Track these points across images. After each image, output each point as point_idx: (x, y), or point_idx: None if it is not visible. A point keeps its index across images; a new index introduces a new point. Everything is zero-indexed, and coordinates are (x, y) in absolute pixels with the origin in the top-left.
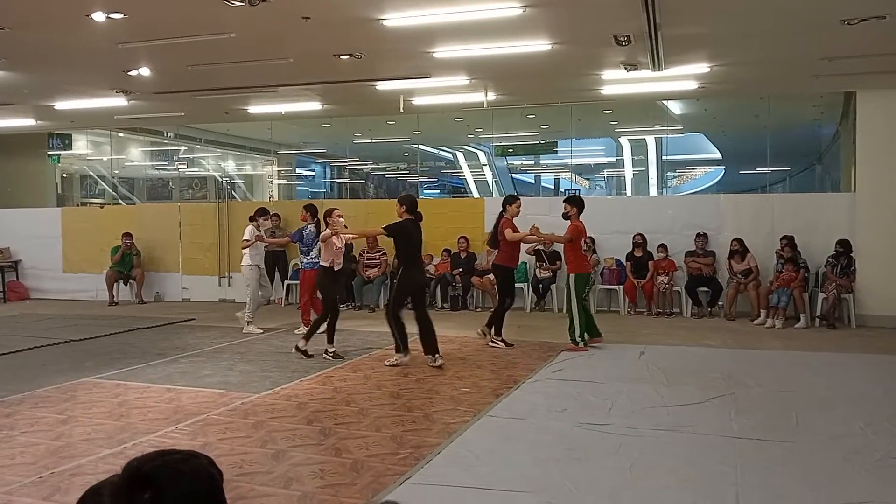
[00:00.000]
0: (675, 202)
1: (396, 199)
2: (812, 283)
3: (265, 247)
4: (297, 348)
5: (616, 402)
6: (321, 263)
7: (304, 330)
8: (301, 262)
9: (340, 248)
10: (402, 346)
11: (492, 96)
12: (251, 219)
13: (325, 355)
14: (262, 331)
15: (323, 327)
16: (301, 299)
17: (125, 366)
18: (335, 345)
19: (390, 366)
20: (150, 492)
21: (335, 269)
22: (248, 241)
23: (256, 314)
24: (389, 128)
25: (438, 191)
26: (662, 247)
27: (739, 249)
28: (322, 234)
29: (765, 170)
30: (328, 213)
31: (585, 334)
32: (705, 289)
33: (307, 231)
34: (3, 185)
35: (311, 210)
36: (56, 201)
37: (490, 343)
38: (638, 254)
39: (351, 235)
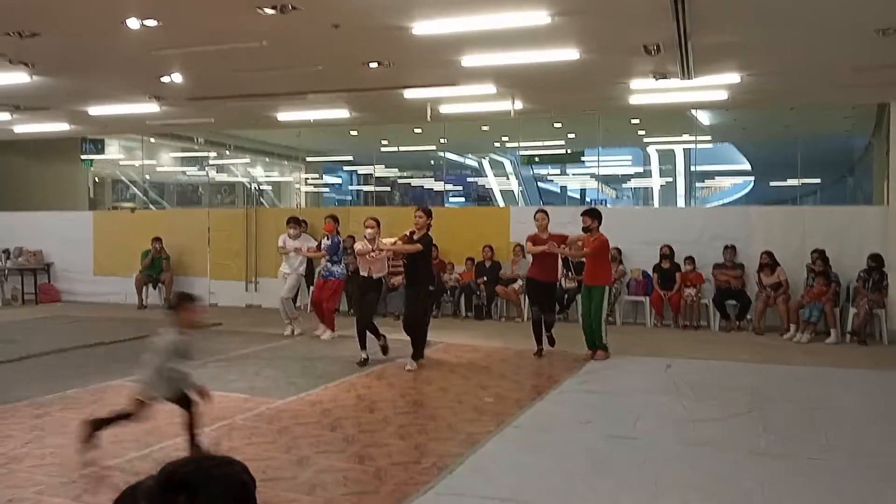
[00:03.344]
0: (703, 213)
1: (422, 210)
2: (843, 298)
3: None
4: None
5: (642, 415)
6: (361, 273)
7: (328, 334)
8: (326, 270)
9: (379, 258)
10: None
11: (519, 105)
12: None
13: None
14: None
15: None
16: (327, 305)
17: None
18: (366, 351)
19: (411, 370)
20: (183, 496)
21: (374, 277)
22: (281, 246)
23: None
24: (416, 136)
25: (464, 199)
26: (690, 259)
27: (769, 262)
28: (357, 251)
29: (795, 181)
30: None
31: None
32: (733, 302)
33: (335, 241)
34: (37, 188)
35: (335, 219)
36: (88, 205)
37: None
38: (665, 265)
39: (388, 248)
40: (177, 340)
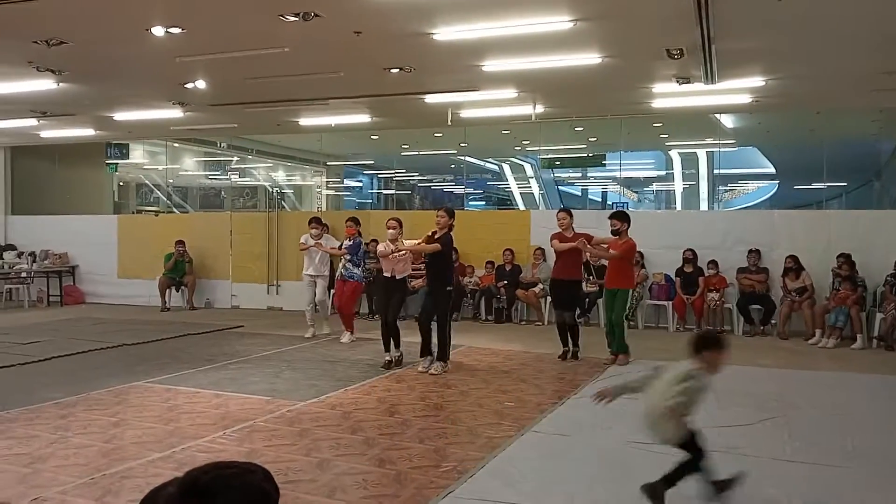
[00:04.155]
0: (726, 217)
1: (444, 210)
2: (870, 303)
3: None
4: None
5: None
6: (385, 274)
7: (347, 337)
8: (346, 270)
9: (402, 257)
10: (430, 352)
11: (540, 109)
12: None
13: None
14: (311, 335)
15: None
16: (345, 308)
17: (175, 371)
18: (390, 353)
19: (436, 374)
20: (201, 502)
21: (397, 278)
22: (303, 243)
23: (313, 321)
24: (437, 140)
25: (484, 203)
26: (713, 263)
27: (794, 267)
28: (379, 252)
29: (820, 185)
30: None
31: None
32: (758, 306)
33: (356, 242)
34: (63, 192)
35: (356, 222)
36: (113, 209)
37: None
38: (688, 269)
39: (409, 248)
40: (698, 383)
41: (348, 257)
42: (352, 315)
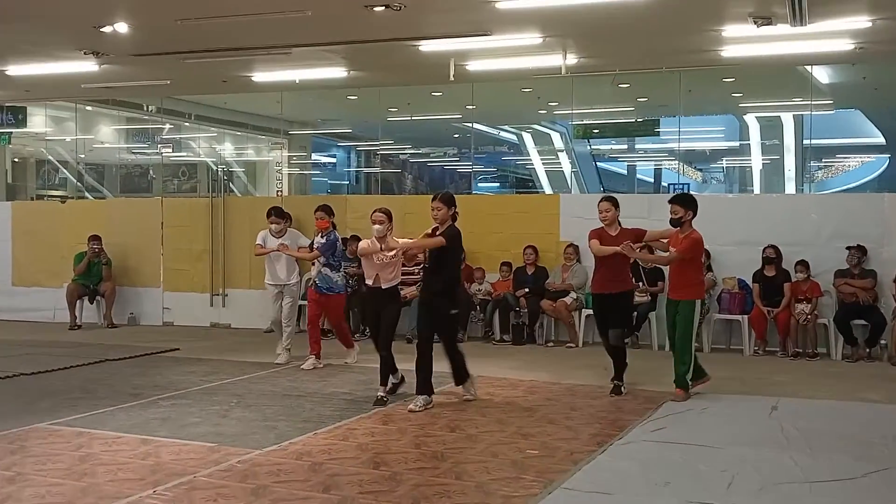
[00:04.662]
0: (821, 203)
1: (440, 199)
2: None
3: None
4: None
5: (738, 474)
6: (367, 282)
7: (312, 362)
8: (322, 279)
9: (390, 260)
10: (467, 374)
11: (572, 60)
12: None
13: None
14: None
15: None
16: (336, 324)
17: (90, 409)
18: (387, 385)
19: (470, 398)
20: None
21: (383, 287)
22: (261, 245)
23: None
24: (435, 101)
25: (498, 184)
26: (803, 264)
27: None
28: (360, 250)
29: None
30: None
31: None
32: (862, 322)
33: (332, 238)
34: None
35: (329, 211)
36: (5, 194)
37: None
38: (769, 273)
39: (401, 246)
40: None
41: (323, 260)
42: (347, 332)
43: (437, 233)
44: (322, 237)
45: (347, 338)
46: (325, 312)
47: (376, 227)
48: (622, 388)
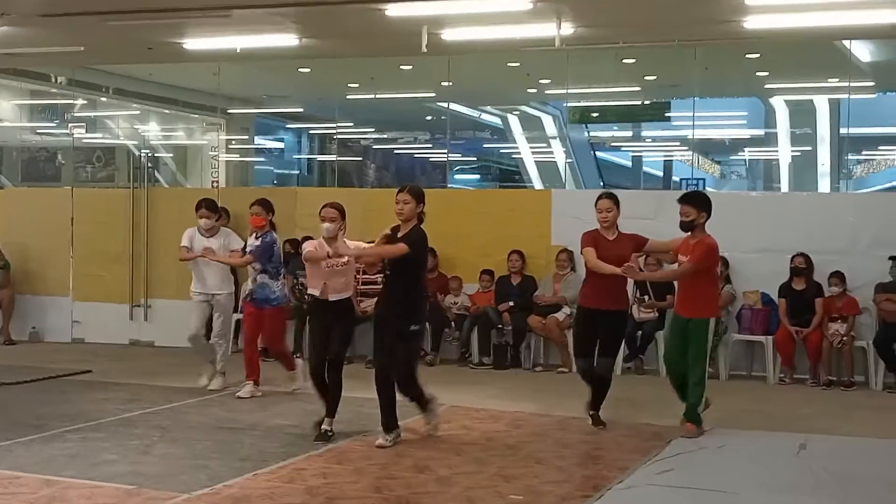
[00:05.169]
0: (860, 203)
1: (408, 191)
2: None
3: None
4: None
5: None
6: (310, 292)
7: (248, 388)
8: (259, 289)
9: (341, 266)
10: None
11: (568, 30)
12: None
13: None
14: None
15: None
16: (272, 344)
17: None
18: (331, 419)
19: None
20: None
21: (331, 298)
22: (187, 248)
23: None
24: (404, 77)
25: (479, 177)
26: (838, 276)
27: None
28: (306, 255)
29: None
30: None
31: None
32: None
33: (268, 240)
34: None
35: (267, 206)
36: None
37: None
38: (798, 286)
39: (355, 252)
40: None
41: (259, 267)
42: (286, 352)
43: (399, 234)
44: (256, 238)
45: (288, 359)
46: (263, 328)
47: (326, 225)
48: (600, 417)
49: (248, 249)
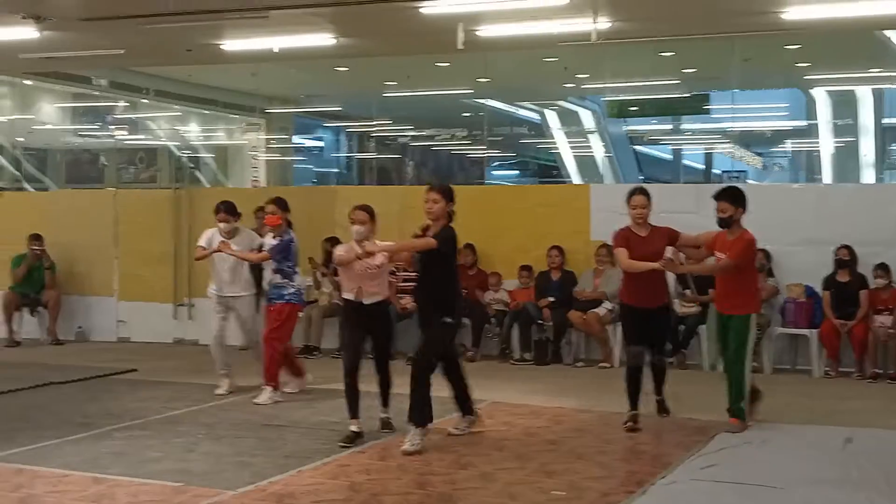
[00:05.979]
0: None
1: (437, 189)
2: None
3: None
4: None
5: None
6: (344, 295)
7: (269, 394)
8: (273, 289)
9: (374, 269)
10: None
11: (605, 24)
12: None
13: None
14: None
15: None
16: (269, 344)
17: (31, 442)
18: (358, 421)
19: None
20: None
21: (365, 302)
22: (203, 247)
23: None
24: (441, 74)
25: (517, 172)
26: (883, 268)
27: None
28: (337, 258)
29: None
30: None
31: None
32: None
33: (285, 240)
34: None
35: (282, 205)
36: None
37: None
38: (843, 278)
39: (382, 248)
40: None
41: (274, 265)
42: (290, 354)
43: (429, 233)
44: (274, 238)
45: (292, 361)
46: (266, 324)
47: (356, 228)
48: (666, 405)
49: (265, 247)
